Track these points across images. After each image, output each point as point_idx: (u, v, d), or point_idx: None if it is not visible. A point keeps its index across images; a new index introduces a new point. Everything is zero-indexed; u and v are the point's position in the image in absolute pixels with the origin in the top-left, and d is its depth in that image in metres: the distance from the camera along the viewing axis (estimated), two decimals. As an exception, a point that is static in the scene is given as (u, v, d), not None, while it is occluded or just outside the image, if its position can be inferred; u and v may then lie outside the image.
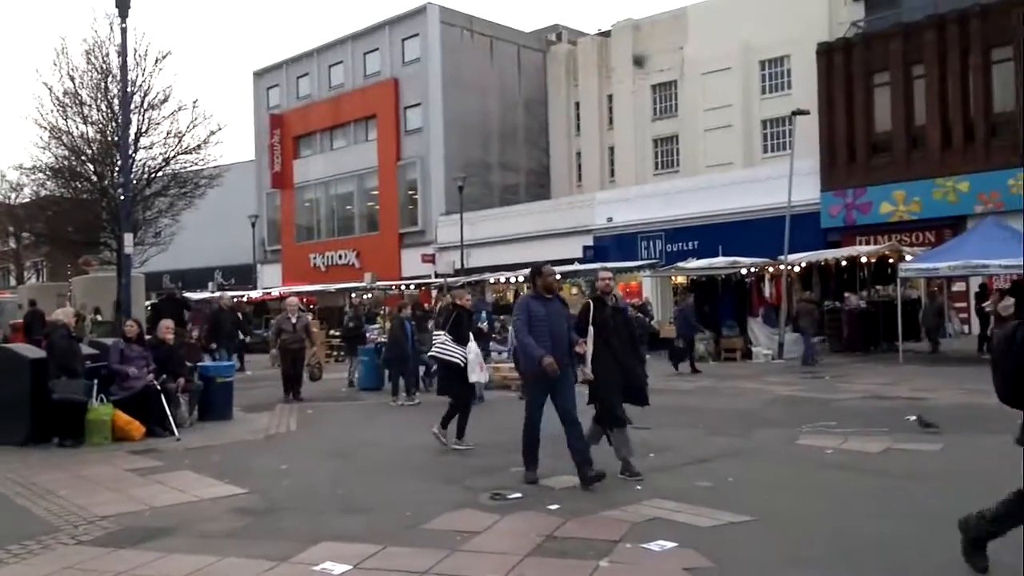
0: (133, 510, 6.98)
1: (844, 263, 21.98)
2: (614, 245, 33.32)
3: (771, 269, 21.94)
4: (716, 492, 7.15)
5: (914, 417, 7.89)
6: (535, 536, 5.92)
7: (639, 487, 7.34)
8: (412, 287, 32.62)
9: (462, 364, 9.31)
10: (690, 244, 30.29)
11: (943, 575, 5.17)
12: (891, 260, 20.97)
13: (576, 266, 28.80)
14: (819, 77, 28.31)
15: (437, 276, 34.41)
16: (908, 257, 20.17)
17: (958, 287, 23.58)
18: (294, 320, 14.60)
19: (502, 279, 28.70)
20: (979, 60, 24.72)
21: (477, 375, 9.60)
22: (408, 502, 7.03)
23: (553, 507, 6.70)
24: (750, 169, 32.80)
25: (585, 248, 33.75)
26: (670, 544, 5.65)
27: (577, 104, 43.27)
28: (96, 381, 10.32)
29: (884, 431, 9.83)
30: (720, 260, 23.39)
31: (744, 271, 22.22)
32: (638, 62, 39.90)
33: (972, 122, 24.90)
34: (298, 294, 23.05)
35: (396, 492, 7.53)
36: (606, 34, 42.50)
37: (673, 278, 27.28)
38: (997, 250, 17.39)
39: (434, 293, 30.22)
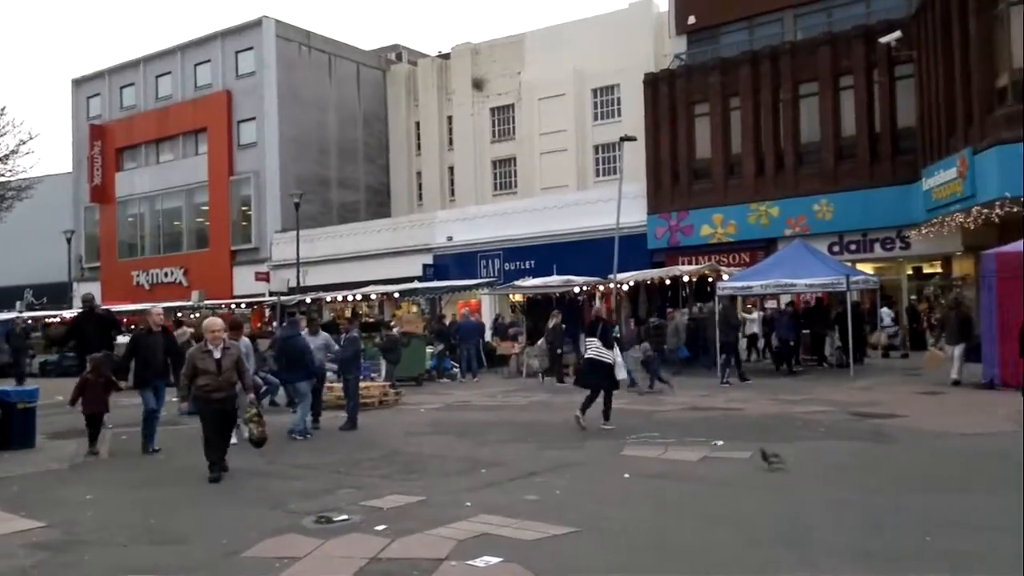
0: (-91, 553, 6.29)
1: (668, 281, 23.08)
2: (454, 263, 33.51)
3: (602, 287, 22.73)
4: (544, 505, 7.28)
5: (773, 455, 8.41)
6: (359, 559, 5.80)
7: (469, 504, 7.35)
8: (244, 306, 31.40)
9: (610, 363, 11.76)
10: (527, 263, 30.95)
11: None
12: (710, 279, 22.22)
13: (416, 284, 28.72)
14: (645, 106, 29.70)
15: (271, 295, 33.32)
16: (725, 276, 21.44)
17: (770, 304, 25.27)
18: (218, 355, 8.93)
19: (339, 298, 28.17)
20: (789, 94, 26.73)
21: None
22: (226, 529, 6.72)
23: (380, 528, 6.60)
24: (583, 192, 33.92)
25: (425, 267, 33.76)
26: (495, 560, 5.69)
27: (418, 123, 43.33)
28: None
29: (702, 441, 10.36)
30: (555, 279, 23.99)
31: (577, 289, 22.90)
32: (477, 85, 40.51)
33: (782, 151, 26.87)
34: (118, 313, 21.57)
35: (214, 519, 7.17)
36: (446, 56, 42.89)
37: (511, 296, 27.74)
38: (804, 270, 18.83)
39: (267, 312, 29.24)
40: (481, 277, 31.05)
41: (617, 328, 20.12)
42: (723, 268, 23.13)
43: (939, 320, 17.46)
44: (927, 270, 25.48)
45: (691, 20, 31.21)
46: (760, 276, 19.48)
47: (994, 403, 12.77)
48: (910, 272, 25.72)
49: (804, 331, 20.84)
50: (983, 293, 14.95)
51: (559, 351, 19.81)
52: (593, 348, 11.93)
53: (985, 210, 19.76)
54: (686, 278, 22.86)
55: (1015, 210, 19.27)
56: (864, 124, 25.27)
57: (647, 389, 16.55)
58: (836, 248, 25.09)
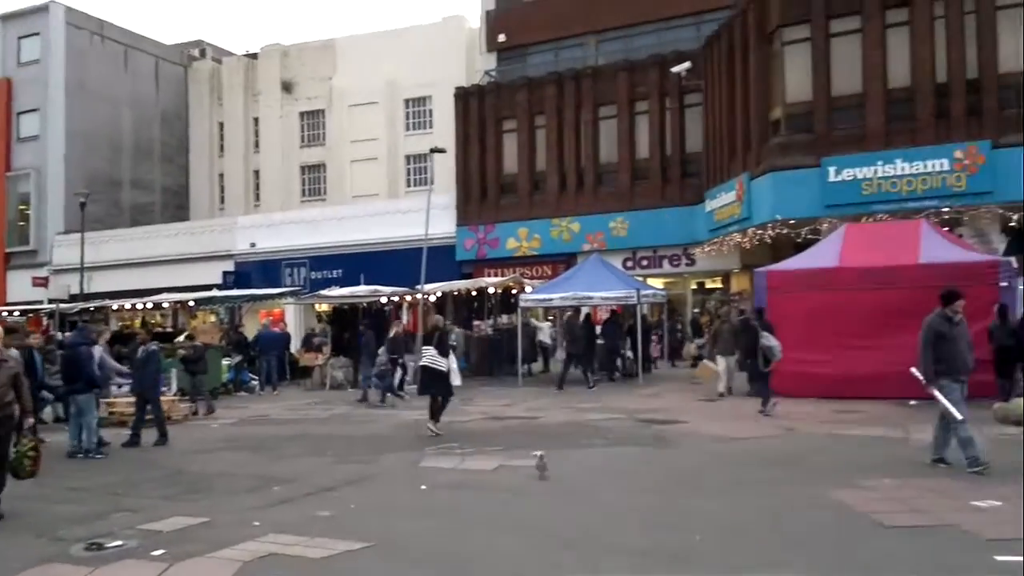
0: None
1: (474, 293, 23.50)
2: (257, 271, 32.36)
3: (409, 298, 22.78)
4: (337, 521, 7.21)
5: (540, 458, 8.70)
6: (132, 586, 5.50)
7: (257, 523, 7.14)
8: (17, 313, 28.71)
9: (445, 370, 12.13)
10: (334, 272, 30.42)
11: (528, 579, 5.68)
12: (514, 291, 22.87)
13: (215, 292, 27.43)
14: (456, 119, 30.14)
15: (51, 302, 30.67)
16: (528, 288, 22.14)
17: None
18: None
19: (127, 306, 26.33)
20: (590, 116, 28.04)
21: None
22: (-20, 562, 6.15)
23: (157, 552, 6.28)
24: (393, 201, 33.85)
25: (225, 274, 32.37)
26: (280, 579, 5.59)
27: (221, 124, 41.54)
28: None
29: (499, 449, 10.63)
30: (362, 288, 23.74)
31: (384, 299, 22.81)
32: (286, 88, 39.47)
33: (583, 170, 28.13)
34: None
35: (-33, 552, 6.54)
36: (254, 56, 41.42)
37: (317, 306, 27.16)
38: (600, 284, 19.79)
39: (45, 320, 26.89)
40: (286, 286, 30.24)
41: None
42: (527, 280, 23.85)
43: (712, 333, 18.74)
44: (709, 285, 27.52)
45: (501, 38, 32.07)
46: (559, 289, 20.26)
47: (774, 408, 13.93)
48: (694, 287, 27.68)
49: (599, 342, 21.82)
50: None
51: (400, 361, 19.47)
52: (428, 356, 12.33)
53: (759, 231, 21.65)
54: (491, 290, 23.38)
55: (785, 231, 21.27)
56: (657, 147, 26.96)
57: (378, 403, 16.73)
58: (630, 263, 26.57)
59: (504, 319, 23.48)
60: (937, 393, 8.57)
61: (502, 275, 25.97)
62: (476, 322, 23.22)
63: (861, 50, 20.25)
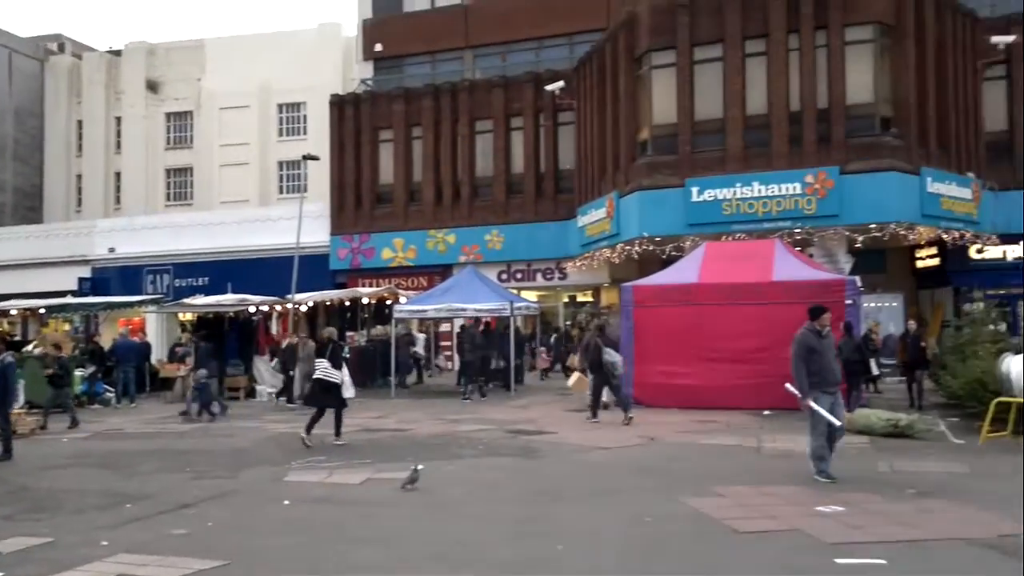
0: None
1: (348, 303, 23.19)
2: (116, 277, 30.89)
3: (279, 307, 22.24)
4: (193, 539, 6.97)
5: (413, 470, 8.68)
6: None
7: (105, 543, 6.81)
8: None
9: (338, 382, 12.08)
10: (200, 280, 29.35)
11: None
12: (389, 301, 22.70)
13: (69, 299, 25.90)
14: (331, 127, 29.73)
15: None
16: (403, 299, 22.04)
17: (444, 327, 26.41)
18: None
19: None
20: (466, 129, 28.23)
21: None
22: None
23: (-8, 576, 5.90)
24: (264, 208, 33.02)
25: (81, 280, 30.72)
26: (127, 601, 5.36)
27: (80, 122, 39.41)
28: None
29: (368, 463, 10.53)
30: (229, 297, 22.98)
31: (253, 309, 22.15)
32: (152, 87, 37.88)
33: (459, 182, 28.28)
34: None
35: None
36: (117, 53, 39.52)
37: (180, 314, 26.08)
38: (474, 296, 19.91)
39: None
40: (147, 293, 28.96)
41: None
42: (401, 291, 23.73)
43: (583, 346, 19.15)
44: (581, 298, 28.19)
45: (378, 48, 31.89)
46: (434, 300, 20.28)
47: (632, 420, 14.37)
48: (566, 300, 28.28)
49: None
50: (623, 321, 16.82)
51: (290, 372, 18.91)
52: (322, 368, 12.29)
53: (628, 247, 22.37)
54: (366, 300, 23.13)
55: (651, 248, 22.06)
56: (531, 163, 27.44)
57: (195, 417, 16.37)
58: (504, 276, 26.89)
59: (378, 330, 23.27)
60: (813, 405, 8.78)
61: (377, 285, 25.75)
62: (349, 333, 22.88)
63: (722, 77, 21.29)
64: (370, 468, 10.16)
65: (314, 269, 26.44)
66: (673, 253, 21.34)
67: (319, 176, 30.33)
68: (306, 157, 22.96)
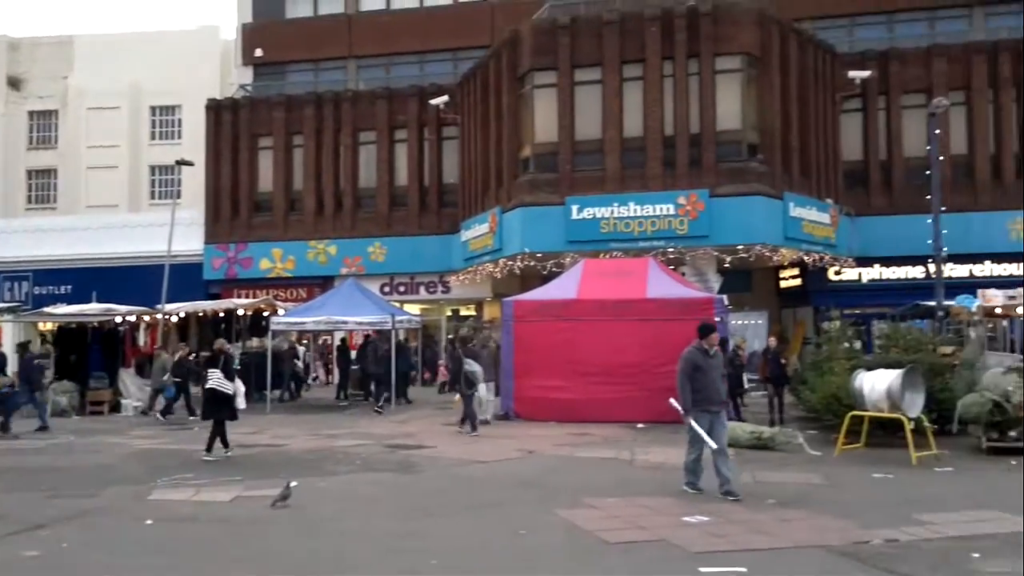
0: None
1: (222, 315, 22.45)
2: (-32, 284, 28.86)
3: (147, 318, 21.31)
4: (45, 561, 6.63)
5: (286, 486, 8.49)
6: None
7: (-53, 568, 6.38)
8: None
9: (231, 394, 12.18)
10: (63, 288, 27.88)
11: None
12: (266, 313, 22.10)
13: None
14: (207, 132, 28.83)
15: None
16: (281, 311, 21.52)
17: (325, 340, 25.97)
18: None
19: None
20: (349, 139, 27.93)
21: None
22: None
23: None
24: (135, 214, 31.69)
25: (-71, 286, 28.57)
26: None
27: (-71, 117, 36.69)
28: None
29: (238, 480, 10.23)
30: (93, 306, 21.84)
31: (119, 319, 21.12)
32: (14, 84, 35.81)
33: (342, 193, 27.93)
34: None
35: None
36: (-27, 45, 37.11)
37: (40, 324, 24.54)
38: (355, 308, 19.66)
39: None
40: (4, 301, 27.17)
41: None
42: (279, 303, 23.16)
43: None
44: (464, 312, 28.28)
45: (258, 53, 31.16)
46: (313, 312, 19.90)
47: (510, 434, 14.51)
48: (449, 314, 28.31)
49: (353, 367, 21.67)
50: (504, 335, 17.00)
51: (185, 386, 18.03)
52: (214, 379, 12.21)
53: (510, 262, 22.66)
54: (241, 311, 22.45)
55: (533, 264, 22.41)
56: (415, 176, 27.41)
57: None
58: (387, 289, 26.69)
59: (254, 342, 22.62)
60: (693, 423, 8.91)
61: (253, 296, 25.03)
62: (156, 348, 22.02)
63: (602, 99, 21.92)
64: (240, 485, 9.88)
65: (186, 279, 25.52)
66: (554, 269, 21.74)
67: (194, 182, 29.28)
68: (180, 162, 22.17)
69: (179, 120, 34.63)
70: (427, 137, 27.54)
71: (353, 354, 22.10)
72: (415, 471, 11.05)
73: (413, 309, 25.97)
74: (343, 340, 23.07)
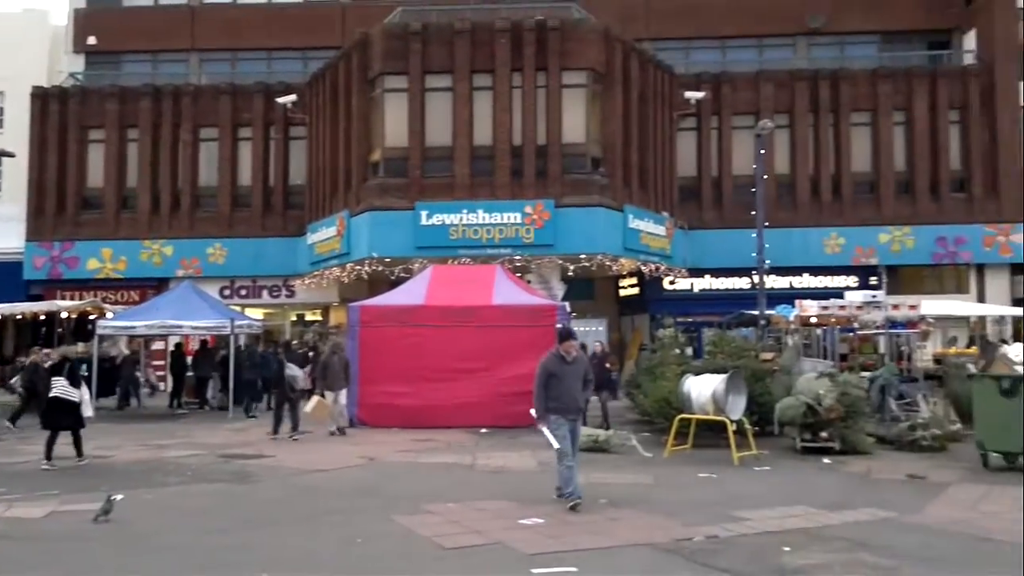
0: None
1: (43, 317, 20.99)
2: None
3: (-44, 321, 19.64)
4: None
5: (108, 500, 8.00)
6: None
7: None
8: None
9: (77, 401, 11.82)
10: None
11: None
12: (93, 316, 20.82)
13: None
14: (32, 121, 26.94)
15: None
16: (110, 315, 20.34)
17: (158, 345, 24.68)
18: None
19: None
20: (189, 135, 26.77)
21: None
22: None
23: None
24: (-56, 207, 28.96)
25: None
26: None
27: None
28: None
29: (54, 494, 9.61)
30: None
31: (-78, 322, 19.37)
32: None
33: (180, 191, 26.72)
34: None
35: None
36: None
37: None
38: (191, 312, 18.85)
39: None
40: None
41: None
42: (108, 306, 21.89)
43: (322, 366, 18.73)
44: (309, 317, 27.69)
45: (91, 41, 29.35)
46: (145, 316, 18.94)
47: (353, 441, 14.33)
48: (294, 318, 27.65)
49: (189, 374, 20.77)
50: (349, 341, 16.76)
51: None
52: (59, 387, 11.83)
53: (358, 266, 22.41)
54: (65, 314, 21.06)
55: (381, 269, 22.27)
56: (259, 176, 26.63)
57: None
58: (228, 292, 25.78)
59: (79, 347, 21.20)
60: (544, 429, 8.84)
61: (79, 298, 23.55)
62: (45, 351, 20.60)
63: (452, 107, 22.11)
64: (56, 500, 9.29)
65: (4, 278, 23.75)
66: (402, 274, 21.68)
67: (15, 175, 27.15)
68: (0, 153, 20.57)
69: (0, 108, 31.99)
70: (273, 136, 26.83)
71: (189, 360, 21.17)
72: (251, 481, 10.74)
73: (255, 313, 25.17)
74: (177, 345, 22.05)
